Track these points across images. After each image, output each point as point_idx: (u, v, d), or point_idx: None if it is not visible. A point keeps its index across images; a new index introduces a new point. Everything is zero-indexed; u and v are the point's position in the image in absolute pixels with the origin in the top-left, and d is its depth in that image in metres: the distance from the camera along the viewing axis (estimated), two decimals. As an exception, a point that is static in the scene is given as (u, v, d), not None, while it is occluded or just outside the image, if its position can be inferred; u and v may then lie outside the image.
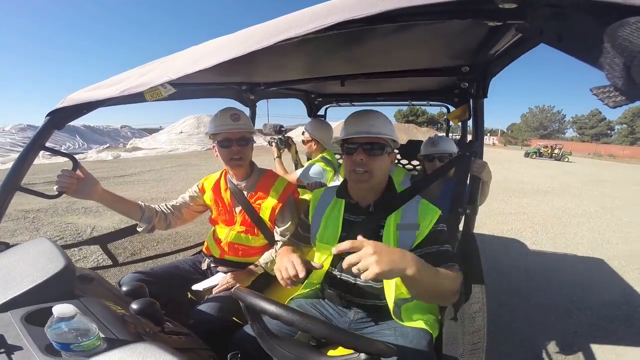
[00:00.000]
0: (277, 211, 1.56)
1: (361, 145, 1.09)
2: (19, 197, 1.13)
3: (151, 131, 32.93)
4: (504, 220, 5.76)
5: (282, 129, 2.61)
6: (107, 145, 22.79)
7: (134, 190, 7.50)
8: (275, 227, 1.60)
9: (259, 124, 2.64)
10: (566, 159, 23.02)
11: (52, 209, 5.47)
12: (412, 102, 2.64)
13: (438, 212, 1.12)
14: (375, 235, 1.11)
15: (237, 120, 1.47)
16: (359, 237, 0.82)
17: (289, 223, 1.58)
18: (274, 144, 2.54)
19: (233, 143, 1.46)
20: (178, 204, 1.63)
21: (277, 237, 1.60)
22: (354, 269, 0.74)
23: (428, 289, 0.87)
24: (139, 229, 1.53)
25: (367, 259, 0.73)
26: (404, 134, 22.73)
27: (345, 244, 0.77)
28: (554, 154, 23.64)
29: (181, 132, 24.49)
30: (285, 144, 2.54)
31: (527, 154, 24.79)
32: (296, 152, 2.66)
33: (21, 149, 1.09)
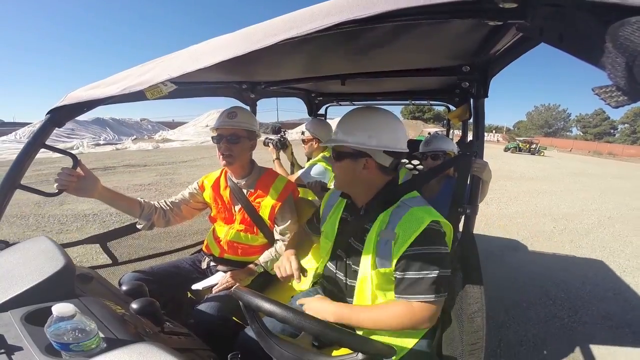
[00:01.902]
0: (276, 210, 1.56)
1: None
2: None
3: (167, 124, 33.59)
4: (489, 193, 7.15)
5: (281, 129, 2.61)
6: (135, 136, 23.44)
7: (208, 172, 8.51)
8: (275, 225, 1.59)
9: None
10: (542, 153, 26.16)
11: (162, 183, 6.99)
12: (413, 102, 2.64)
13: (423, 225, 0.96)
14: (360, 238, 1.08)
15: (233, 117, 1.48)
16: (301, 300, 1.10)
17: (289, 222, 1.58)
18: (271, 144, 2.53)
19: (223, 139, 1.47)
20: (177, 201, 1.62)
21: (276, 236, 1.60)
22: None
23: (359, 327, 1.02)
24: (138, 226, 1.53)
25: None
26: (411, 130, 23.20)
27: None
28: (531, 149, 26.39)
29: (207, 126, 25.14)
30: (282, 144, 2.52)
31: (506, 149, 26.79)
32: (292, 152, 2.64)
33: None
